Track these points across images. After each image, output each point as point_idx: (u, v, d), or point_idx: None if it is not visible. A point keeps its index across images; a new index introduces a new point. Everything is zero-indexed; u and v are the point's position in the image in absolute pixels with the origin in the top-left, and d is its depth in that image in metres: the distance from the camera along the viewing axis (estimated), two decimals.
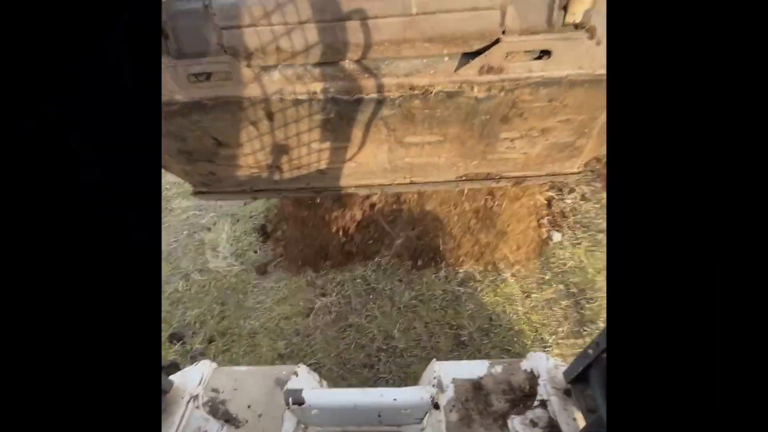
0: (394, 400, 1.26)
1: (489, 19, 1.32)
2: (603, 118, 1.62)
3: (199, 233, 3.35)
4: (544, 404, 1.32)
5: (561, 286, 2.75)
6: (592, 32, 1.36)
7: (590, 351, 1.18)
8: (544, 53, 1.38)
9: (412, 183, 2.00)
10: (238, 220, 3.41)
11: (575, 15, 1.31)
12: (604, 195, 3.29)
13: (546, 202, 3.09)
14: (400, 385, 2.34)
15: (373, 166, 1.86)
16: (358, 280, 2.82)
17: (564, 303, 2.67)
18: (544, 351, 2.44)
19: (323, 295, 2.82)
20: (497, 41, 1.34)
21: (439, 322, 2.62)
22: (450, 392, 1.39)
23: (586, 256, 2.89)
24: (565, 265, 2.86)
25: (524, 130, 1.66)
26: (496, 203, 2.71)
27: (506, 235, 2.79)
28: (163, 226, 3.45)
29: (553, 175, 1.99)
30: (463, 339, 2.54)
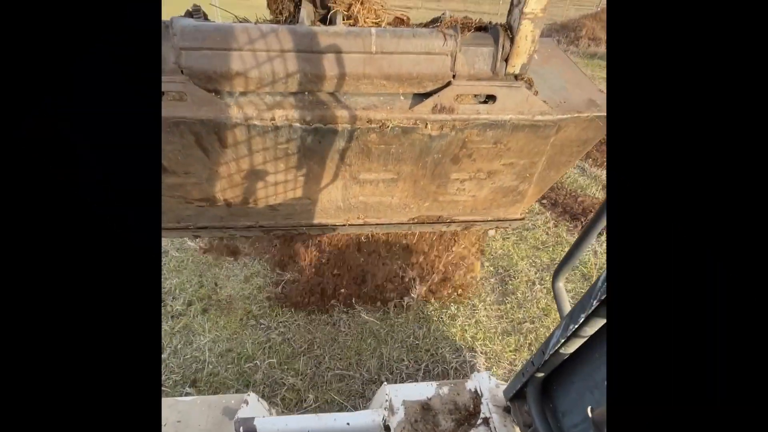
0: (348, 424, 1.18)
1: (441, 63, 1.30)
2: (542, 164, 1.60)
3: None
4: (486, 422, 1.27)
5: (492, 268, 2.92)
6: (530, 83, 1.38)
7: (527, 370, 1.13)
8: (490, 98, 1.36)
9: (365, 224, 1.83)
10: None
11: (515, 67, 1.33)
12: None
13: None
14: (357, 336, 2.42)
15: (327, 203, 1.69)
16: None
17: (492, 280, 2.85)
18: (473, 313, 2.59)
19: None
20: (448, 84, 1.32)
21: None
22: (400, 414, 1.31)
23: (513, 247, 3.08)
24: (496, 252, 3.02)
25: (473, 172, 1.60)
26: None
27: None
28: None
29: (499, 220, 1.90)
30: (409, 303, 2.64)
